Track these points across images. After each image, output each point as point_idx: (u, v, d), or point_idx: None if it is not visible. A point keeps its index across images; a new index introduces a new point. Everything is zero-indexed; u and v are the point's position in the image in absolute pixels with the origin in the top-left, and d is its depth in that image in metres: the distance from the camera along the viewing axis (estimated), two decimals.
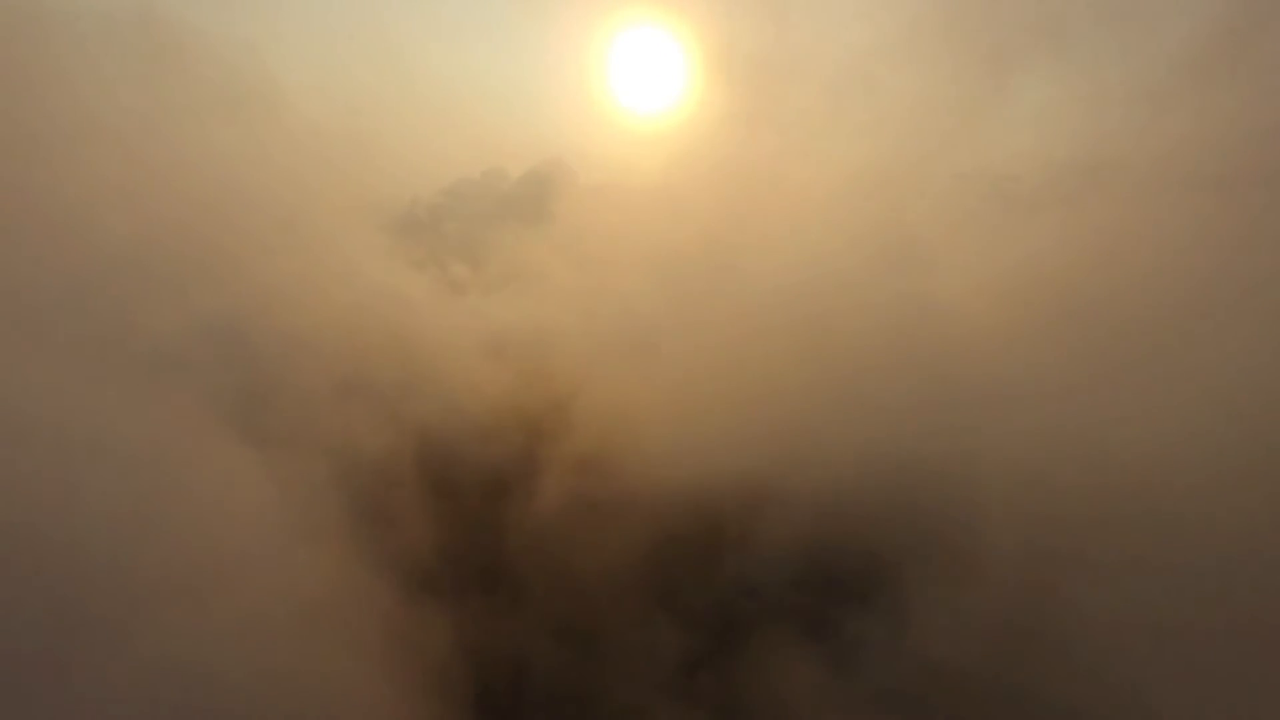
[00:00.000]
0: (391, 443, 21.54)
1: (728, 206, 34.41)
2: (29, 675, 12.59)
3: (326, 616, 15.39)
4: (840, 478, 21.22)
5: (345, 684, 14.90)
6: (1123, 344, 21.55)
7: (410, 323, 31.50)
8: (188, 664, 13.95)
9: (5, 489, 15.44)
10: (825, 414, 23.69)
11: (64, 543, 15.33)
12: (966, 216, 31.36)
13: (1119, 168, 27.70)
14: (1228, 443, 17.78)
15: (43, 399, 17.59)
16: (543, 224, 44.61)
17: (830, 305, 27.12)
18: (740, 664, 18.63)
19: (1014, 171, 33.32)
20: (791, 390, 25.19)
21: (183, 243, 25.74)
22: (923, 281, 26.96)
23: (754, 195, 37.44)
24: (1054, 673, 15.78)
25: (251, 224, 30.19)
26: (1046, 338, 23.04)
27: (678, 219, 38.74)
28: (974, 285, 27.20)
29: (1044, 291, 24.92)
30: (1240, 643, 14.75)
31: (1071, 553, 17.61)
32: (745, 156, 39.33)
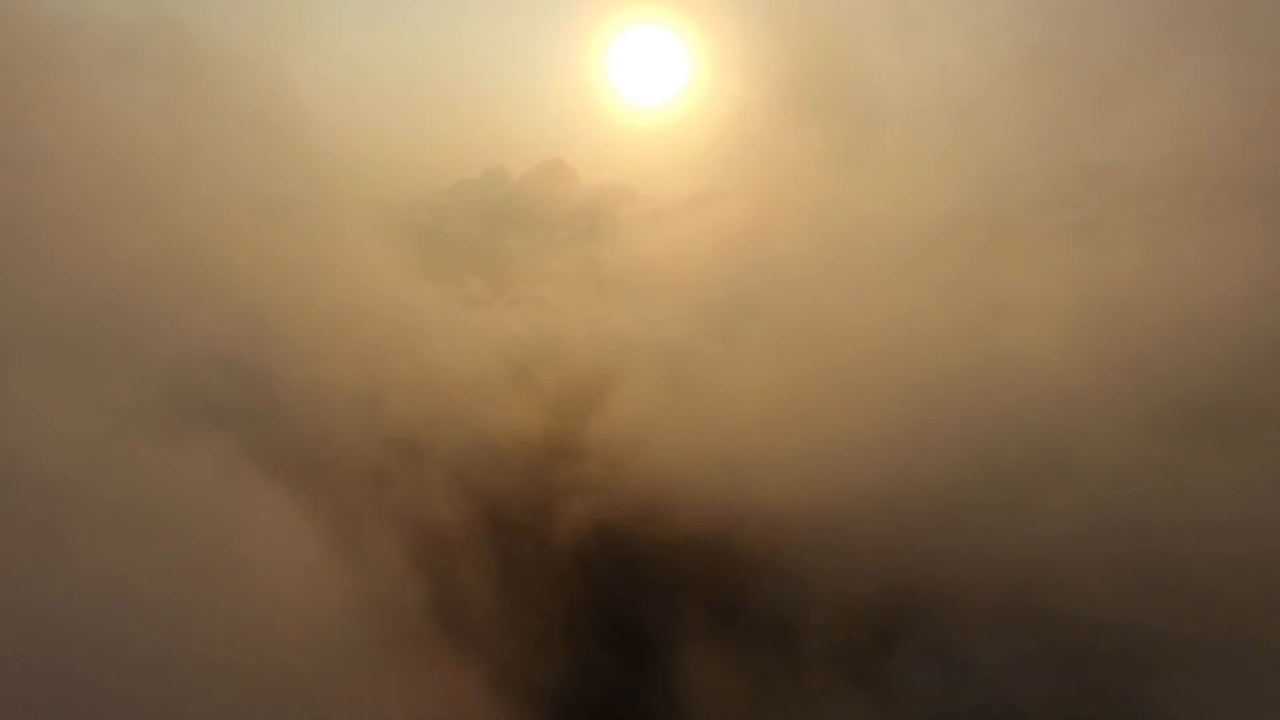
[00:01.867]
0: (458, 510, 19.07)
1: (791, 240, 33.11)
2: None
3: None
4: (903, 514, 20.20)
5: None
6: (1212, 403, 19.98)
7: (434, 345, 28.97)
8: None
9: (13, 565, 12.35)
10: (883, 451, 22.38)
11: (85, 631, 12.30)
12: (1046, 255, 29.22)
13: (1215, 205, 25.92)
14: None
15: (56, 448, 14.42)
16: (572, 235, 42.43)
17: (889, 341, 25.86)
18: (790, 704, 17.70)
19: (1093, 216, 31.64)
20: (848, 421, 23.95)
21: (196, 260, 22.61)
22: (994, 321, 25.50)
23: (791, 208, 36.49)
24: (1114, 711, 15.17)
25: (267, 235, 27.16)
26: (1125, 387, 21.58)
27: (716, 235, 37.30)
28: (1052, 329, 24.98)
29: (1127, 339, 23.29)
30: None
31: (1141, 597, 16.66)
32: (776, 167, 38.31)
